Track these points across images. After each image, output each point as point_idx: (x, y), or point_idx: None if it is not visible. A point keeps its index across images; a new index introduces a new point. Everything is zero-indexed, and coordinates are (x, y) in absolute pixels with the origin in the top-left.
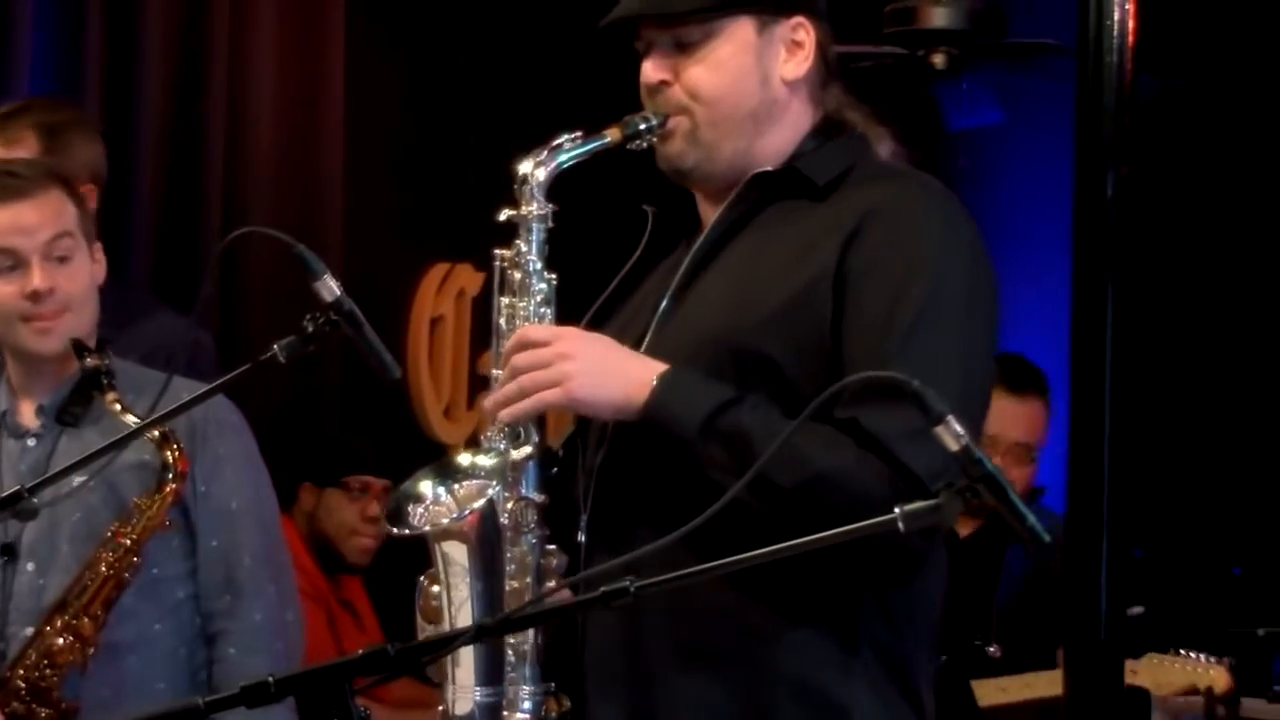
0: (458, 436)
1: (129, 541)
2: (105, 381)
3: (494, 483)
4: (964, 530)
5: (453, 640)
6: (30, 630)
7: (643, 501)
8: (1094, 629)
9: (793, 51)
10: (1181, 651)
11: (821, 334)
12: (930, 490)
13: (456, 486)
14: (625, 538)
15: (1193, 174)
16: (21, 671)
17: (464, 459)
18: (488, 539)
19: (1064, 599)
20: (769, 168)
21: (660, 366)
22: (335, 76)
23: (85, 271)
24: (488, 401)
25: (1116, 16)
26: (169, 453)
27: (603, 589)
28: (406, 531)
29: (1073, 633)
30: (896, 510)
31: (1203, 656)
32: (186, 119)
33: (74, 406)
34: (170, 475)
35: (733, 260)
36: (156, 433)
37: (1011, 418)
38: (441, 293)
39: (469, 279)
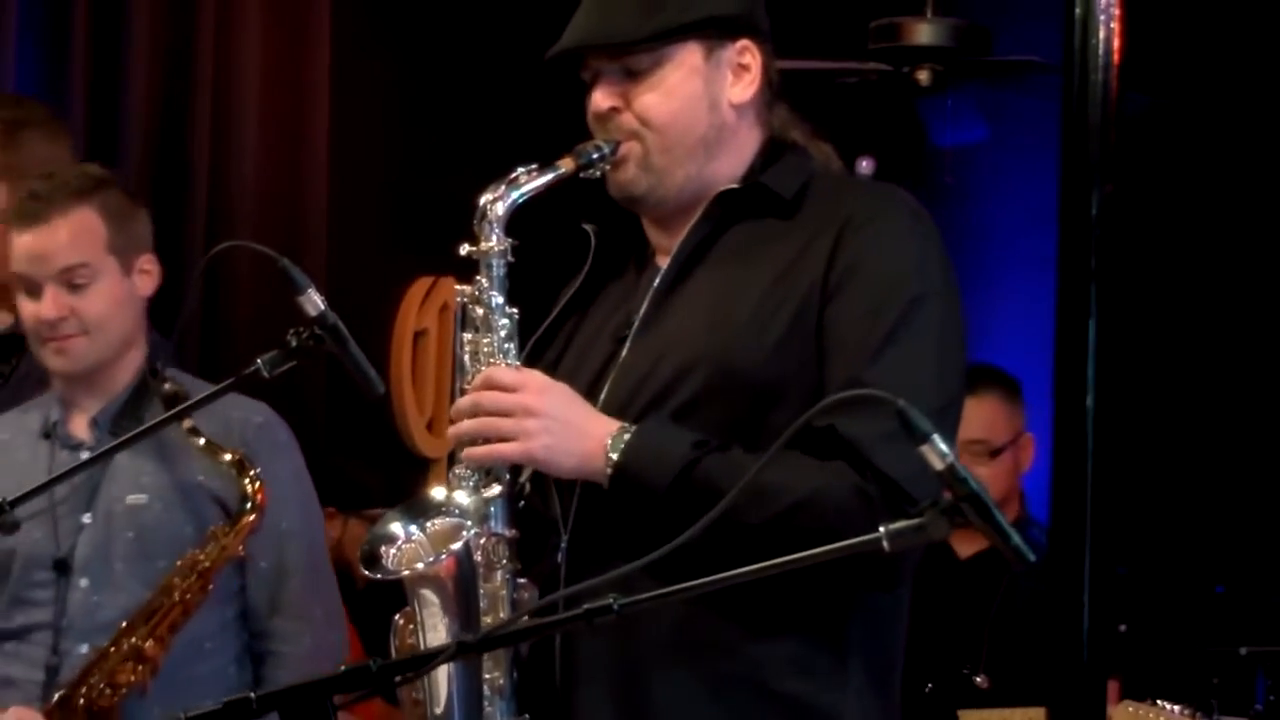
0: (440, 450)
1: (202, 569)
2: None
3: (469, 523)
4: (965, 551)
5: (434, 657)
6: (85, 648)
7: (626, 523)
8: (1077, 647)
9: (739, 75)
10: (1159, 703)
11: (816, 353)
12: (910, 496)
13: (429, 524)
14: (609, 559)
15: (1179, 191)
16: (84, 690)
17: (432, 494)
18: (464, 580)
19: (1046, 617)
20: (734, 185)
21: (614, 425)
22: (320, 90)
23: (106, 294)
24: (450, 431)
25: (1102, 34)
26: (247, 482)
27: (586, 606)
28: (380, 576)
29: (1055, 651)
30: (881, 529)
31: (1178, 709)
32: (171, 133)
33: (126, 420)
34: (249, 506)
35: (708, 284)
36: (230, 457)
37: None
38: (425, 306)
39: (452, 293)
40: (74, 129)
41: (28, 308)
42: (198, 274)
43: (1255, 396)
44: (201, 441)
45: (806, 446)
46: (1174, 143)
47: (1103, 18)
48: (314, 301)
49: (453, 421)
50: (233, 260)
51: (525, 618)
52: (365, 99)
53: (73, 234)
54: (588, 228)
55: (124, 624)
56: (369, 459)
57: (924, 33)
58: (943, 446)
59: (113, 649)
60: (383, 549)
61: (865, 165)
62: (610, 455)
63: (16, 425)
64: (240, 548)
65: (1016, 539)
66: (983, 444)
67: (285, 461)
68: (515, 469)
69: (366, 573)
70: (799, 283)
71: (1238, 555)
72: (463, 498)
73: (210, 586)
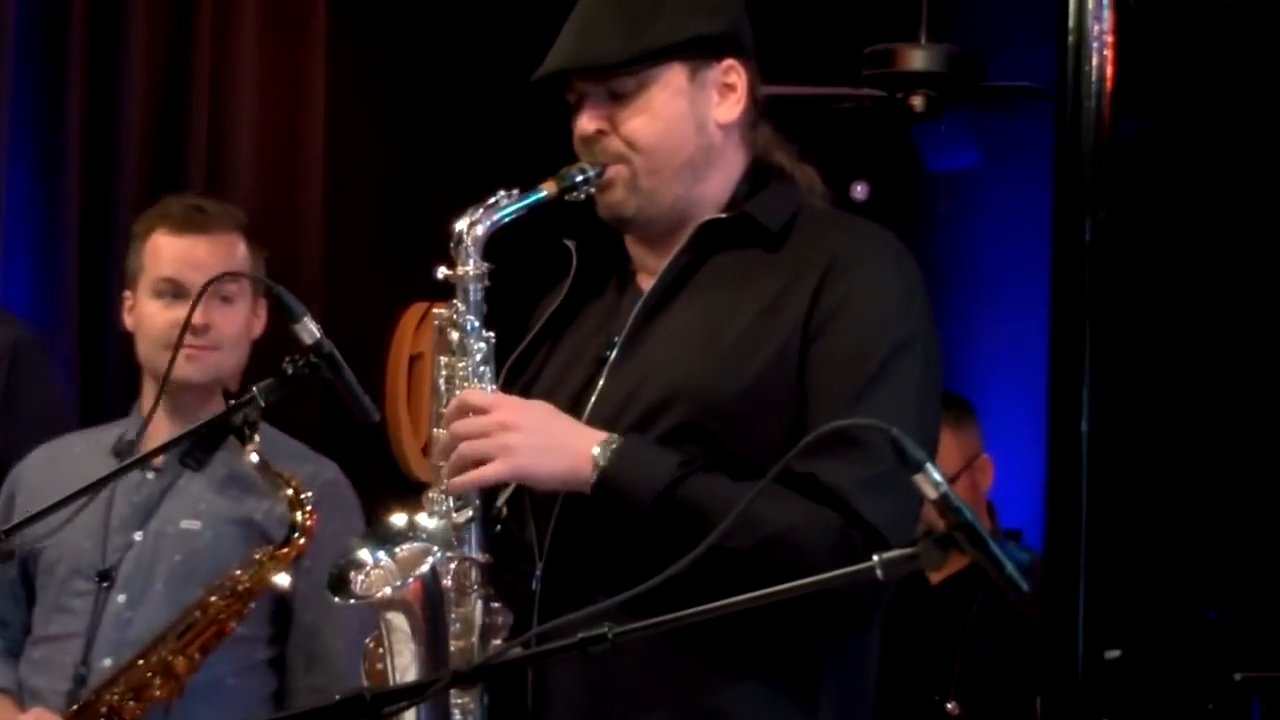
0: None
1: (242, 589)
2: (248, 433)
3: (434, 547)
4: (935, 577)
5: (429, 686)
6: (109, 660)
7: (601, 552)
8: (1071, 672)
9: (725, 95)
10: None
11: (793, 389)
12: (889, 545)
13: (397, 550)
14: (583, 588)
15: (1172, 217)
16: (107, 696)
17: (400, 520)
18: (431, 604)
19: (1040, 642)
20: (720, 215)
21: (600, 435)
22: (316, 115)
23: (243, 318)
24: (435, 458)
25: (1095, 61)
26: (300, 514)
27: (580, 635)
28: (351, 601)
29: (1049, 676)
30: (875, 558)
31: None
32: (166, 158)
33: (199, 451)
34: (297, 534)
35: (690, 312)
36: (291, 491)
37: None
38: (420, 331)
39: None
40: (70, 151)
41: (164, 314)
42: (193, 302)
43: (1249, 420)
44: (256, 458)
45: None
46: (1167, 169)
47: (1095, 45)
48: (310, 329)
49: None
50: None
51: (519, 647)
52: (362, 123)
53: (230, 250)
54: (569, 243)
55: (157, 635)
56: (365, 484)
57: (918, 58)
58: (936, 476)
59: (141, 660)
60: (351, 574)
61: (860, 190)
62: (598, 462)
63: (92, 440)
64: (282, 575)
65: (1010, 568)
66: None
67: (345, 521)
68: (490, 494)
69: (334, 598)
70: (782, 320)
71: (1231, 580)
72: (429, 522)
73: (247, 610)
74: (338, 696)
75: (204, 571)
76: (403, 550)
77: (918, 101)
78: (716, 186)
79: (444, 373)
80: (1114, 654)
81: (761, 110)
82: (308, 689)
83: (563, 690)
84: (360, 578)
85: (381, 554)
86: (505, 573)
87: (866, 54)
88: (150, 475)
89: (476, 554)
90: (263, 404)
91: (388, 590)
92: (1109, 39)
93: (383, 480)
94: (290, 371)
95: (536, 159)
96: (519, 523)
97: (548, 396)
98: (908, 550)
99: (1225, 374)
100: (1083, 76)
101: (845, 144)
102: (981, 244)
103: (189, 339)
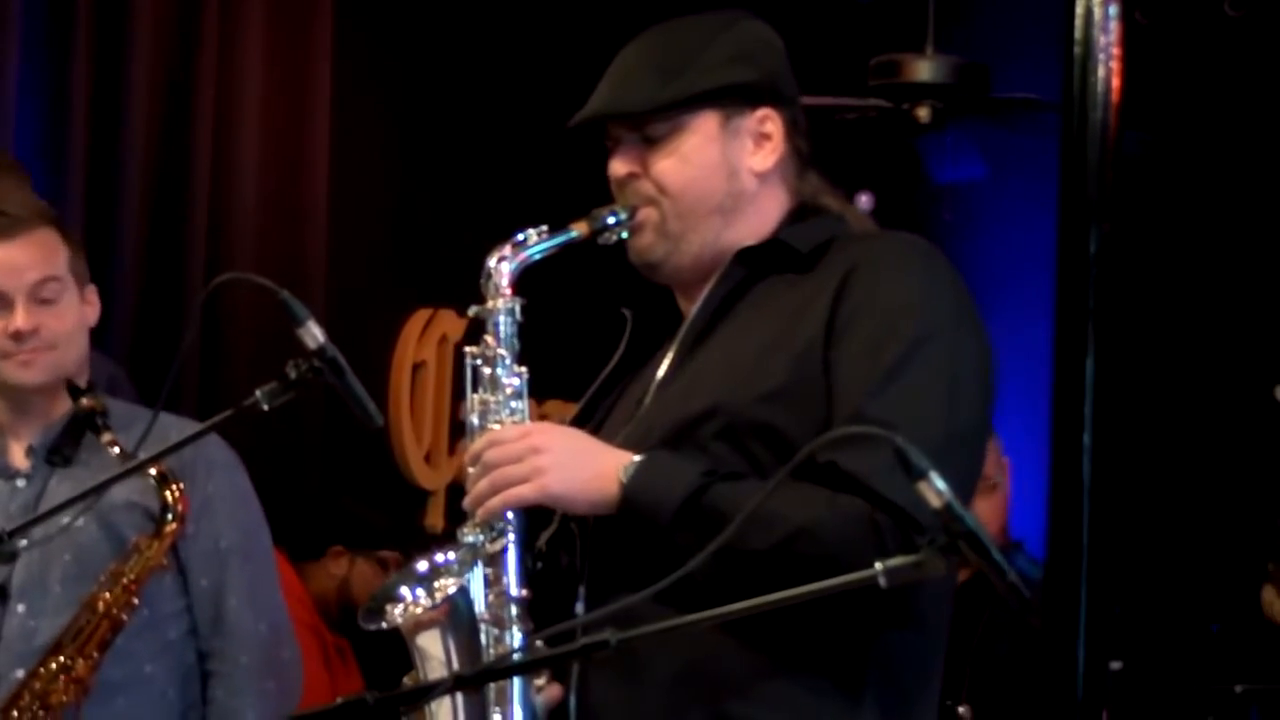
0: (438, 482)
1: (127, 581)
2: (100, 423)
3: (465, 573)
4: None
5: (431, 690)
6: (20, 672)
7: (639, 569)
8: (1071, 685)
9: (760, 143)
10: None
11: (821, 396)
12: (918, 522)
13: (435, 584)
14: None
15: (1177, 230)
16: (15, 713)
17: (424, 563)
18: (462, 628)
19: (1041, 654)
20: (753, 244)
21: (629, 456)
22: (320, 121)
23: (72, 312)
24: (465, 501)
25: (1101, 74)
26: (169, 493)
27: (583, 641)
28: (383, 626)
29: (1049, 689)
30: (878, 565)
31: None
32: (171, 164)
33: (64, 447)
34: (170, 516)
35: (725, 337)
36: (154, 472)
37: None
38: (424, 338)
39: (451, 325)
40: (74, 161)
41: None
42: (198, 306)
43: (1252, 433)
44: (117, 452)
45: (815, 483)
46: (1173, 182)
47: (1102, 57)
48: (313, 334)
49: (467, 492)
50: (232, 292)
51: (523, 651)
52: (365, 132)
53: (44, 249)
54: (625, 312)
55: (51, 642)
56: (367, 492)
57: (924, 70)
58: (939, 484)
59: (41, 669)
60: (388, 606)
61: (864, 201)
62: (621, 480)
63: None
64: (164, 559)
65: (1013, 575)
66: (984, 480)
67: (224, 479)
68: (529, 528)
69: (366, 625)
70: (802, 330)
71: (1233, 593)
72: (458, 553)
73: (137, 601)
74: (340, 700)
75: (96, 564)
76: (439, 584)
77: (923, 113)
78: (749, 230)
79: (477, 409)
80: (1116, 667)
81: (806, 158)
82: (214, 651)
83: (602, 702)
84: (396, 609)
85: (420, 590)
86: (550, 609)
87: (872, 64)
88: (21, 483)
89: (514, 589)
90: (266, 408)
91: (417, 611)
92: (1115, 51)
93: (384, 488)
94: (293, 375)
95: (541, 167)
96: (569, 548)
97: (599, 435)
98: (911, 558)
99: (1229, 386)
100: (1089, 89)
101: (850, 155)
102: (986, 255)
103: (19, 345)
